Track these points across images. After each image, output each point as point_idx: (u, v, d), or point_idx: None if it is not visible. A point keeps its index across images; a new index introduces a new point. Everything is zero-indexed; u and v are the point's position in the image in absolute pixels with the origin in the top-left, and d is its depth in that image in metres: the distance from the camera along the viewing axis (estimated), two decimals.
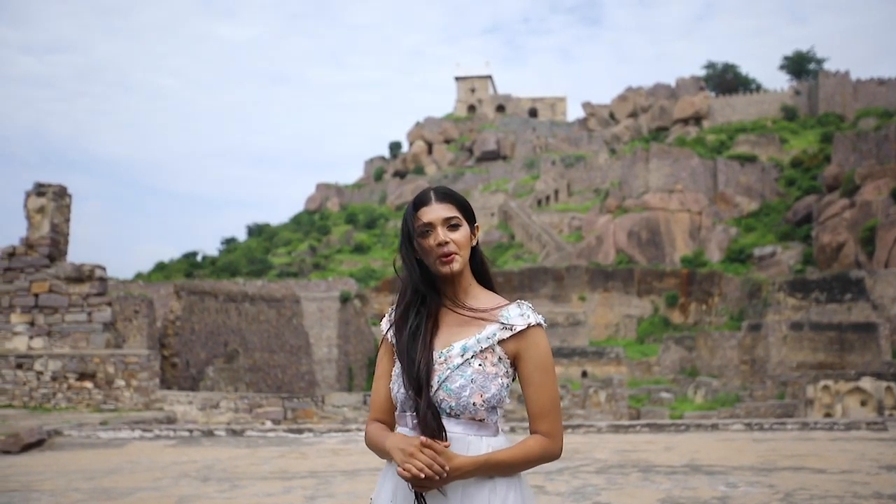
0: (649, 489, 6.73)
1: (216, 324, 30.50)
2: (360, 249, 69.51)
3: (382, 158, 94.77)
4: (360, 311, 42.58)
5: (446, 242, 2.06)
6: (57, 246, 15.37)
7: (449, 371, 2.01)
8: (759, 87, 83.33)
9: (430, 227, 2.08)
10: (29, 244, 15.27)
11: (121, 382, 14.17)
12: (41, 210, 15.15)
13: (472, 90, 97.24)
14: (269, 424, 12.74)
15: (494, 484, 2.01)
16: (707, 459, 8.45)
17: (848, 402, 23.97)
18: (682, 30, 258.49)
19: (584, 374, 38.88)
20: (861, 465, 8.01)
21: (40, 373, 14.38)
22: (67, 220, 15.70)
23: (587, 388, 28.82)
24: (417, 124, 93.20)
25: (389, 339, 2.16)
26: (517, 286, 51.39)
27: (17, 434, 10.27)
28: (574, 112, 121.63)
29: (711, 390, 33.36)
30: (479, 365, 2.02)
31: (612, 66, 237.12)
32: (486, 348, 2.03)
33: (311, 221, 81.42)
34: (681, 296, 50.79)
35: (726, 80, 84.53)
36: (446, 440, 1.98)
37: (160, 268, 69.58)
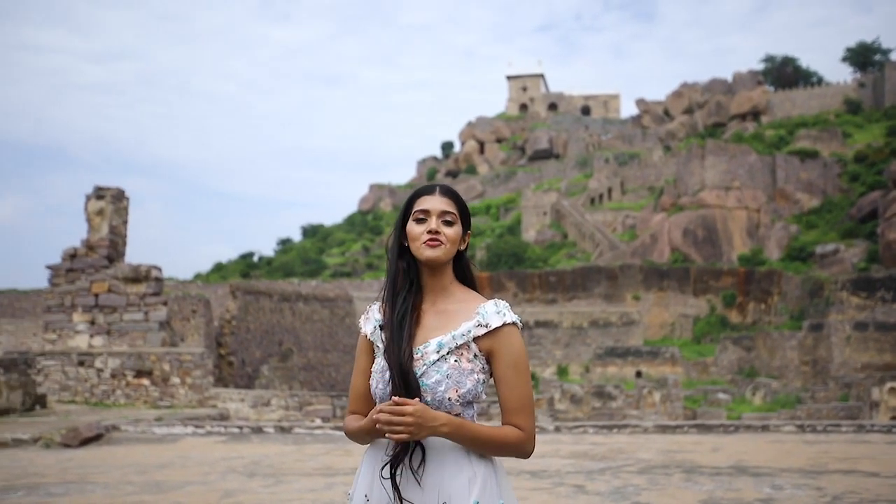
0: (691, 490, 6.64)
1: (271, 323, 31.06)
2: None
3: (435, 158, 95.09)
4: None
5: (437, 231, 2.10)
6: (115, 247, 15.90)
7: (425, 367, 2.04)
8: (820, 81, 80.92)
9: (427, 214, 2.12)
10: (89, 246, 15.84)
11: (176, 380, 14.57)
12: (100, 213, 15.69)
13: (524, 89, 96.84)
14: (318, 422, 12.94)
15: (474, 472, 2.01)
16: (754, 461, 8.28)
17: None
18: (739, 23, 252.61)
19: (639, 374, 38.36)
20: None
21: (100, 370, 14.89)
22: (125, 222, 16.23)
23: (641, 388, 28.43)
24: (469, 124, 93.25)
25: (368, 336, 2.19)
26: (570, 285, 50.98)
27: (76, 429, 10.67)
28: (628, 109, 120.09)
29: (771, 391, 32.55)
30: (455, 361, 2.04)
31: (666, 62, 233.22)
32: (461, 345, 2.06)
33: (364, 222, 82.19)
34: (738, 295, 49.63)
35: (786, 74, 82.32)
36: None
37: (218, 268, 71.18)
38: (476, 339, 2.06)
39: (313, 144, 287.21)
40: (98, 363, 14.95)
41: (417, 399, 1.98)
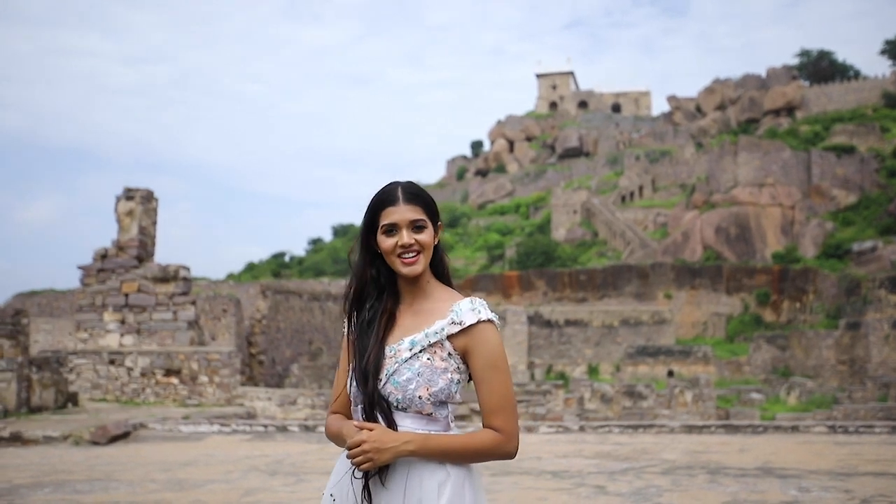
0: (714, 492, 6.52)
1: (300, 322, 31.28)
2: None
3: (464, 157, 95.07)
4: None
5: (411, 244, 2.05)
6: (145, 248, 16.12)
7: (397, 364, 2.01)
8: (857, 74, 79.29)
9: (395, 227, 2.06)
10: (119, 246, 16.08)
11: (204, 378, 14.72)
12: (130, 213, 15.92)
13: (554, 87, 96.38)
14: None
15: (447, 475, 1.97)
16: (782, 462, 8.11)
17: None
18: (773, 17, 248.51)
19: (671, 373, 37.93)
20: None
21: (130, 369, 15.11)
22: (154, 223, 16.45)
23: (673, 387, 28.09)
24: (499, 122, 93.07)
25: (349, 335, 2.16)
26: (600, 284, 50.62)
27: (105, 427, 10.83)
28: (659, 106, 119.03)
29: (806, 391, 31.94)
30: (428, 359, 2.01)
31: (698, 58, 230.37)
32: (434, 343, 2.02)
33: None
34: (772, 293, 48.85)
35: (821, 68, 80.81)
36: None
37: (250, 268, 71.89)
38: (450, 338, 2.02)
39: (343, 145, 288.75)
40: (128, 362, 15.17)
41: (378, 424, 1.97)
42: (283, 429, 11.40)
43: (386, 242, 2.07)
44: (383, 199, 2.10)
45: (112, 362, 15.24)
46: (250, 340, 27.99)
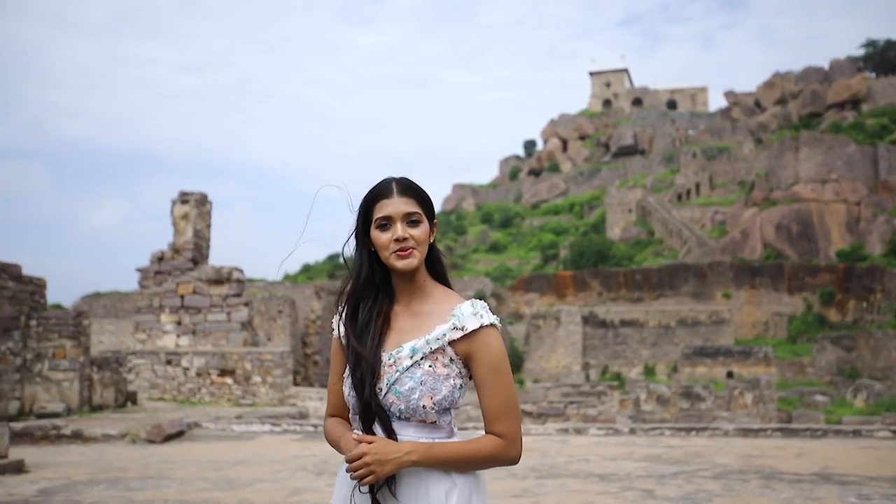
0: (768, 498, 6.30)
1: None
2: (495, 249, 69.78)
3: (517, 157, 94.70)
4: (495, 310, 42.69)
5: (405, 238, 1.98)
6: (199, 250, 16.47)
7: (398, 373, 1.94)
8: None
9: (389, 220, 2.00)
10: (175, 249, 16.47)
11: (257, 379, 14.95)
12: (185, 217, 16.29)
13: (608, 84, 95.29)
14: None
15: (454, 485, 1.91)
16: (841, 468, 7.80)
17: None
18: (836, 7, 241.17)
19: (730, 374, 37.07)
20: None
21: (186, 369, 15.44)
22: (209, 226, 16.79)
23: (732, 389, 27.43)
24: (552, 121, 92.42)
25: (341, 339, 2.08)
26: (656, 284, 49.80)
27: (160, 426, 11.09)
28: (716, 102, 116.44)
29: (874, 394, 30.82)
30: (430, 366, 1.93)
31: (757, 52, 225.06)
32: (436, 349, 1.95)
33: (447, 222, 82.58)
34: (837, 292, 47.29)
35: (888, 59, 77.86)
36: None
37: (305, 269, 72.86)
38: (452, 343, 1.95)
39: (397, 146, 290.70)
40: (184, 362, 15.51)
41: (377, 436, 1.90)
42: None
43: (381, 238, 2.00)
44: (377, 193, 2.04)
45: (169, 362, 15.61)
46: (305, 341, 28.33)
